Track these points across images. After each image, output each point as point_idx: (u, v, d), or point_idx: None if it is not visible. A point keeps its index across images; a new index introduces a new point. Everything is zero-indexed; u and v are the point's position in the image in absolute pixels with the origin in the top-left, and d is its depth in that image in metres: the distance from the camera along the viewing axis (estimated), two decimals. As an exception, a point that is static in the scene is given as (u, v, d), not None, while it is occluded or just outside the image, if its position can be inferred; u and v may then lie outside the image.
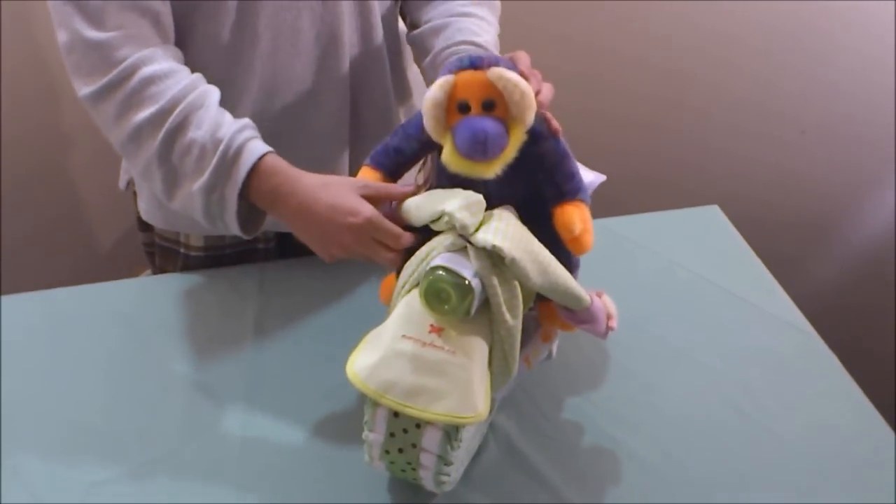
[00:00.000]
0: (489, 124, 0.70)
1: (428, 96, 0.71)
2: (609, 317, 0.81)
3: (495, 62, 0.70)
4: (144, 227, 1.14)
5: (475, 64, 0.70)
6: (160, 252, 1.13)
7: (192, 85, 0.84)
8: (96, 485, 0.80)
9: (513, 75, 0.69)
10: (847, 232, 1.94)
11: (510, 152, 0.72)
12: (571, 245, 0.76)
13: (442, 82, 0.70)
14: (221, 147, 0.81)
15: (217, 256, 1.10)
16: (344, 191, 0.81)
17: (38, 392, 0.89)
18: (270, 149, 0.84)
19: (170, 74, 0.83)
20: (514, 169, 0.73)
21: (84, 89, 0.83)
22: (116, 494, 0.79)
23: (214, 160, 0.81)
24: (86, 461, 0.82)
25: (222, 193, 0.83)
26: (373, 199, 0.81)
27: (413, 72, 1.13)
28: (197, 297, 1.03)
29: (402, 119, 1.11)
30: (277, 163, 0.84)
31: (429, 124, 0.73)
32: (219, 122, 0.83)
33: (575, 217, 0.74)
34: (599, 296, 0.81)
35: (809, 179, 1.88)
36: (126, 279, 1.06)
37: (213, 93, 0.86)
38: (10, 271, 1.67)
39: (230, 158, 0.82)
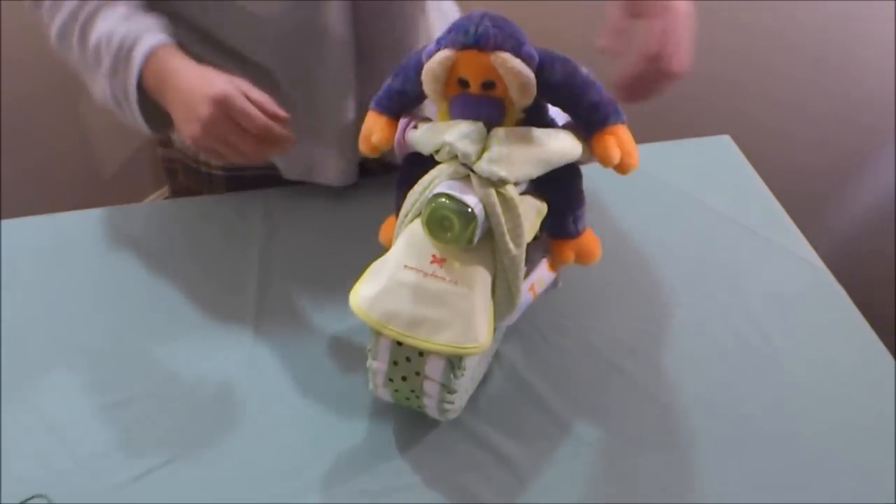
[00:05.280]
0: (485, 108, 0.69)
1: (427, 69, 0.69)
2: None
3: (500, 43, 0.66)
4: (164, 142, 1.14)
5: (479, 43, 0.66)
6: (184, 170, 1.13)
7: None
8: (101, 409, 0.81)
9: (515, 63, 0.66)
10: (861, 170, 1.91)
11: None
12: (615, 169, 0.73)
13: (442, 59, 0.67)
14: (121, 36, 0.83)
15: (237, 178, 1.10)
16: (219, 76, 0.81)
17: (45, 316, 0.90)
18: (171, 41, 0.85)
19: None
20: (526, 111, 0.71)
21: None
22: (121, 418, 0.80)
23: (114, 47, 0.83)
24: (90, 385, 0.83)
25: (124, 81, 0.84)
26: (251, 100, 0.80)
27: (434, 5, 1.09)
28: (203, 222, 1.03)
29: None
30: (172, 51, 0.84)
31: (427, 91, 0.71)
32: (125, 15, 0.84)
33: (611, 147, 0.71)
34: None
35: (822, 113, 1.83)
36: (132, 204, 1.06)
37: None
38: (13, 195, 1.67)
39: (128, 46, 0.83)
